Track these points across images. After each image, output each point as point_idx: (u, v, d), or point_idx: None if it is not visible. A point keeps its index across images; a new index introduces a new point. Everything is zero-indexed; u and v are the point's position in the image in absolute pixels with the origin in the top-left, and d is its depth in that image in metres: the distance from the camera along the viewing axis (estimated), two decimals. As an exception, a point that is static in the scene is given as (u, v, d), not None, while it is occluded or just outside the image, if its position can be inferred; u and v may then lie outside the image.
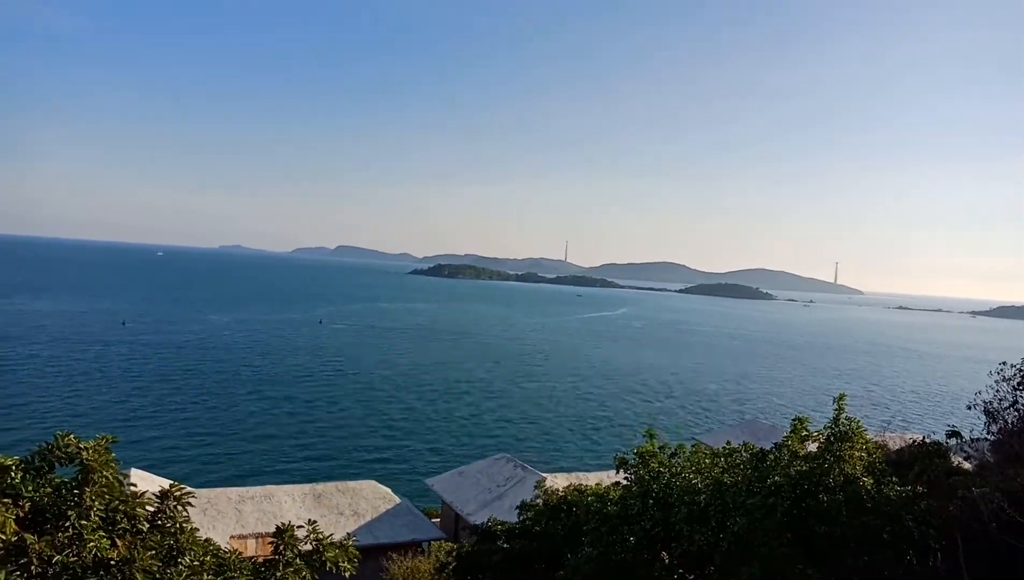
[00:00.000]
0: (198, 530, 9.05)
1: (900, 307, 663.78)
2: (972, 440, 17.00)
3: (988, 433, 16.73)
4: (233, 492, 33.47)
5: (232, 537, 29.30)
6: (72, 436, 8.61)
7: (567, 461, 64.64)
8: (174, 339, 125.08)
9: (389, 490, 36.79)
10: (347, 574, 9.10)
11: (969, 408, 17.12)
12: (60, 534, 7.72)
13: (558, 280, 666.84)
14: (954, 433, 16.26)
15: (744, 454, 16.62)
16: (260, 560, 9.24)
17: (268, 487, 35.09)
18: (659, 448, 17.50)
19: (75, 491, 8.10)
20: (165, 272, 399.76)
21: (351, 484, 36.58)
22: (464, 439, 73.32)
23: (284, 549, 9.08)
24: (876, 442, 16.11)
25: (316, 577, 9.17)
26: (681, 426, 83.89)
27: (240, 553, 9.43)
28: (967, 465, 16.65)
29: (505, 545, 19.19)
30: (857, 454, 14.61)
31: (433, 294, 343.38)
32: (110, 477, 8.27)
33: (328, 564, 9.01)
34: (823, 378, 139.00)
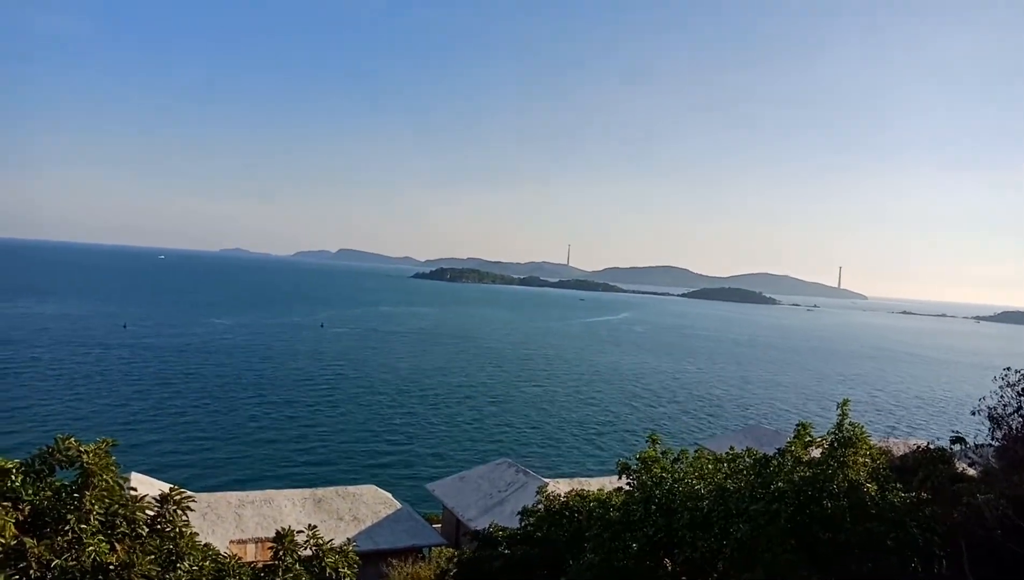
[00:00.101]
0: (197, 535, 9.03)
1: (904, 312, 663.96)
2: (976, 446, 16.90)
3: (992, 439, 16.65)
4: (233, 496, 33.39)
5: (232, 542, 29.22)
6: (72, 439, 8.61)
7: (569, 466, 64.49)
8: (175, 342, 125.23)
9: (390, 495, 36.65)
10: (347, 580, 9.07)
11: (973, 414, 17.02)
12: (59, 538, 7.69)
13: (561, 284, 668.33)
14: (958, 439, 16.17)
15: (747, 460, 16.59)
16: (260, 565, 9.21)
17: (268, 491, 34.99)
18: (662, 453, 17.47)
19: (75, 495, 8.09)
20: (167, 276, 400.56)
21: (351, 489, 36.46)
22: (465, 444, 73.17)
23: (284, 554, 9.06)
24: (880, 448, 16.08)
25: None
26: (684, 431, 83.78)
27: (239, 558, 9.39)
28: (971, 471, 16.58)
29: (506, 551, 19.11)
30: (861, 460, 14.56)
31: (435, 298, 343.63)
32: (110, 481, 8.26)
33: (328, 570, 8.99)
34: (827, 383, 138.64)
